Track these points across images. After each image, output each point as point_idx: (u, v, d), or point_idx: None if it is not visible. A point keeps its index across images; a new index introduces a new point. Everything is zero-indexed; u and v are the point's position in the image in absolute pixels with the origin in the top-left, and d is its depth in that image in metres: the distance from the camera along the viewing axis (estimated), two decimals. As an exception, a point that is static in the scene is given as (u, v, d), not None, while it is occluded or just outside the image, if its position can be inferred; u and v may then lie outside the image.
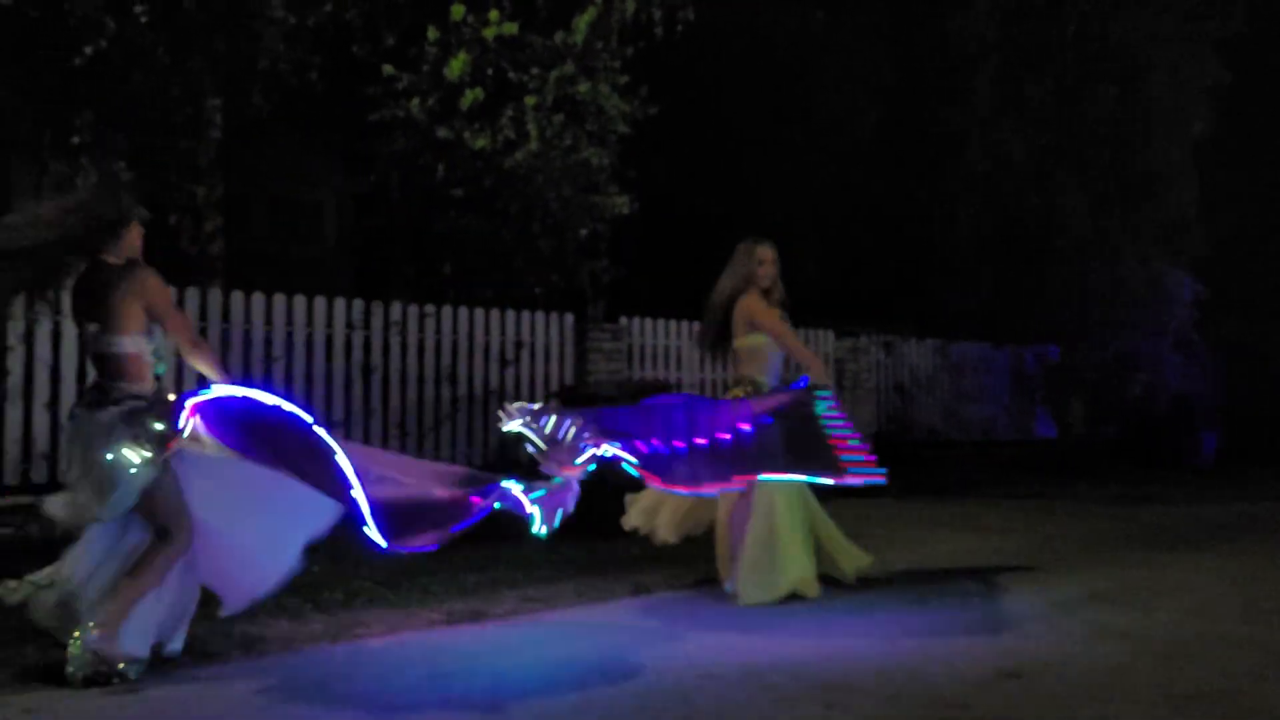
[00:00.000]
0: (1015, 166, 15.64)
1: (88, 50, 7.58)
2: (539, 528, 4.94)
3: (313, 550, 7.37)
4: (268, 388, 8.53)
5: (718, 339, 6.63)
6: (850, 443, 6.09)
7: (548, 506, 5.00)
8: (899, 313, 14.62)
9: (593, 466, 5.60)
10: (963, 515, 10.13)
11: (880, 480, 5.99)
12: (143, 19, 7.64)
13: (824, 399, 6.20)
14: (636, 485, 6.58)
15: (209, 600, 5.77)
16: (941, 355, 14.75)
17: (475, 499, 4.82)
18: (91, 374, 4.58)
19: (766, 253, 6.54)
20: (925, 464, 13.42)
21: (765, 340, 6.45)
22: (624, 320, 10.91)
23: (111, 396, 4.39)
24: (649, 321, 11.06)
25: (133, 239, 4.61)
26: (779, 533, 6.14)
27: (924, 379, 14.41)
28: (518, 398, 10.04)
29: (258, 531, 4.71)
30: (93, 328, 4.47)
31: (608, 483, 8.59)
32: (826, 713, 4.05)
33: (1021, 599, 6.31)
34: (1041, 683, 4.46)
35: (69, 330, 7.72)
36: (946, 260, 16.16)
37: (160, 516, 4.46)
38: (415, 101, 10.15)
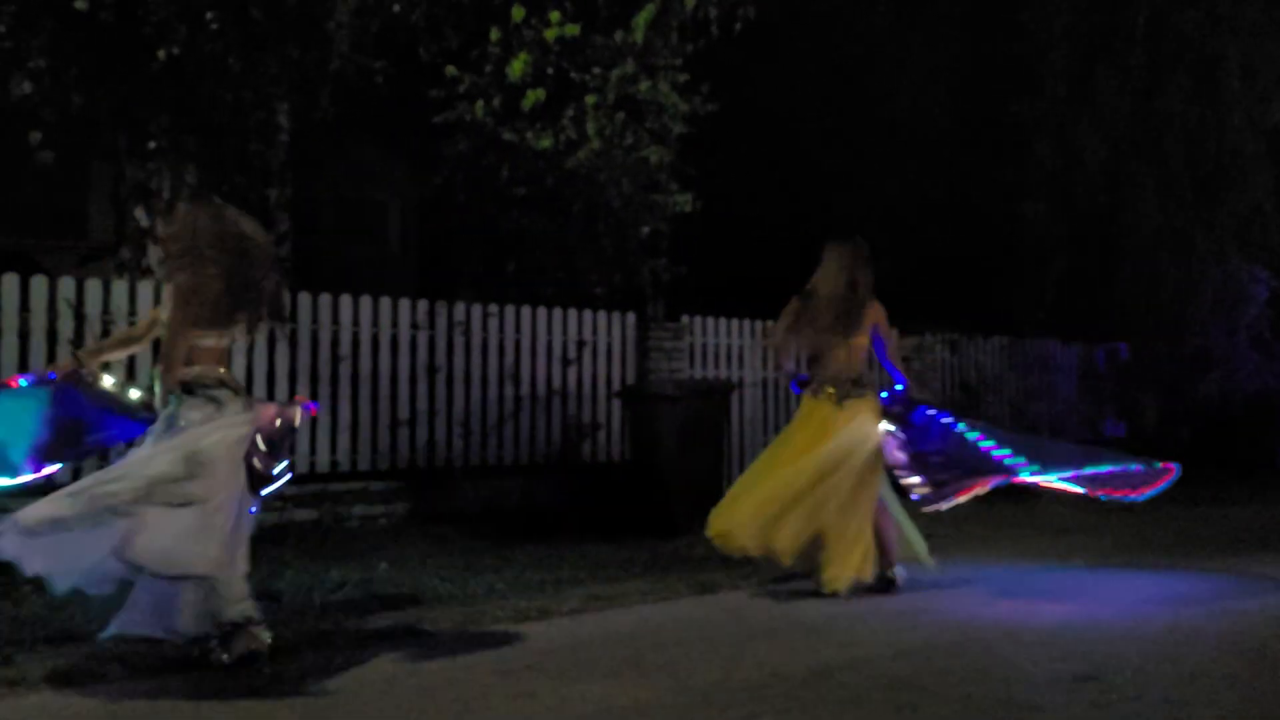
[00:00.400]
0: (1086, 161, 15.35)
1: (161, 55, 7.74)
2: None
3: (379, 546, 7.51)
4: (333, 387, 8.66)
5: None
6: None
7: None
8: (965, 310, 14.41)
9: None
10: (1033, 515, 9.96)
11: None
12: (213, 25, 7.78)
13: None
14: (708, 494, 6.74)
15: (277, 595, 5.88)
16: (1008, 353, 14.52)
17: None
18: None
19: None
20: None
21: (866, 343, 6.67)
22: (685, 319, 10.88)
23: None
24: (710, 320, 11.03)
25: None
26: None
27: (990, 378, 14.20)
28: (579, 396, 10.08)
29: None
30: None
31: (666, 484, 8.65)
32: (896, 714, 4.00)
33: (1097, 600, 6.20)
34: (1119, 687, 4.36)
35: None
36: (1014, 256, 15.91)
37: None
38: (479, 104, 10.22)
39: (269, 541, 7.61)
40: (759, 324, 10.90)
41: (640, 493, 8.91)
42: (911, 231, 15.66)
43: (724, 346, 11.11)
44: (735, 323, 11.15)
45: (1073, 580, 6.89)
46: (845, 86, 15.83)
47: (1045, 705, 4.10)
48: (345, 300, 8.90)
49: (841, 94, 15.79)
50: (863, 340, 6.62)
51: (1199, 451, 15.14)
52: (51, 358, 7.51)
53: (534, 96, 10.13)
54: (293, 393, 8.49)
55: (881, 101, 16.07)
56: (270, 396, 8.40)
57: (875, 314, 6.65)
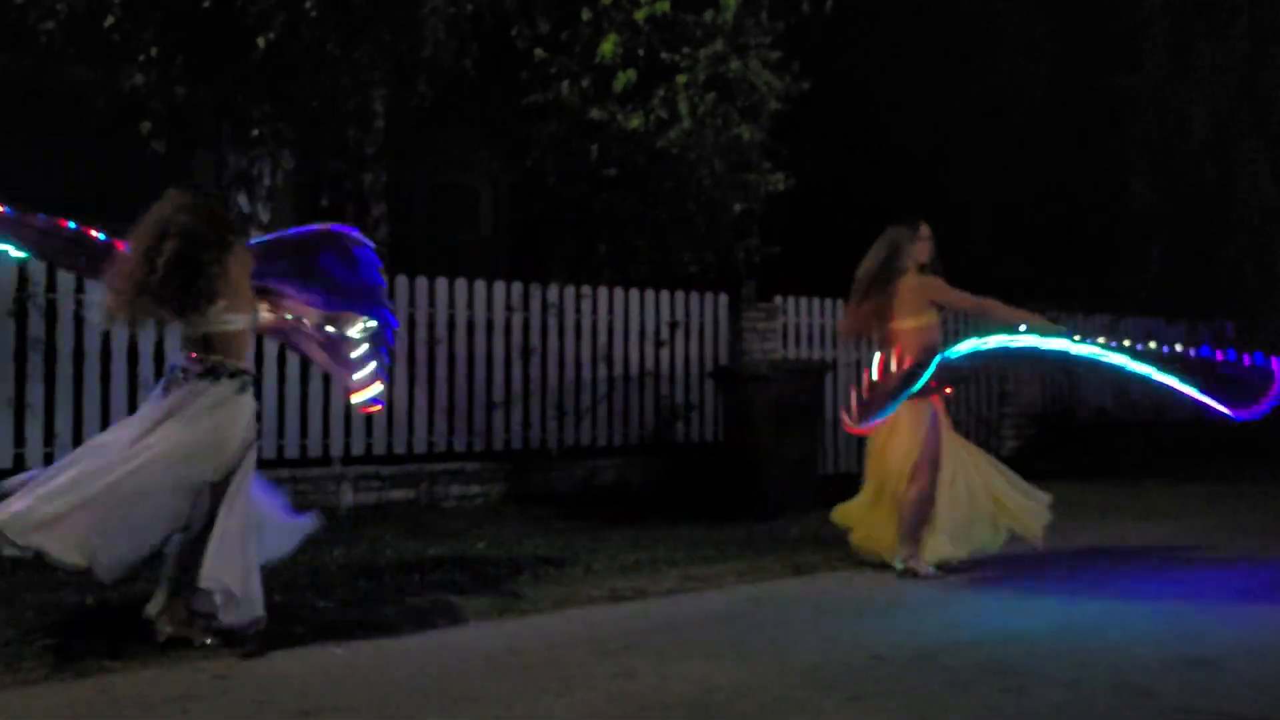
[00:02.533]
0: (1190, 134, 14.82)
1: (261, 43, 7.88)
2: None
3: (476, 526, 7.60)
4: (429, 369, 8.77)
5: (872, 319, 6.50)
6: None
7: None
8: (1066, 288, 14.04)
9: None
10: (1139, 497, 9.72)
11: None
12: (312, 13, 7.91)
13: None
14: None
15: (378, 573, 5.99)
16: (1111, 332, 14.12)
17: None
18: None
19: (927, 230, 6.48)
20: (1096, 446, 12.90)
21: (935, 319, 6.45)
22: (778, 299, 10.79)
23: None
24: (803, 300, 10.92)
25: None
26: None
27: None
28: (672, 378, 10.07)
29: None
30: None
31: (761, 465, 8.59)
32: (1002, 698, 3.93)
33: (1208, 583, 6.02)
34: (1233, 671, 4.23)
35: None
36: (1116, 233, 15.45)
37: None
38: (566, 84, 10.24)
39: (367, 521, 7.79)
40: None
41: (734, 474, 8.88)
42: (1010, 209, 15.30)
43: (817, 327, 11.00)
44: (829, 303, 11.02)
45: (1180, 563, 6.69)
46: (940, 63, 15.50)
47: (1157, 690, 3.99)
48: (441, 283, 9.01)
49: (936, 71, 15.46)
50: (912, 323, 6.35)
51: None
52: (160, 345, 7.74)
53: (625, 78, 10.10)
54: (390, 375, 8.62)
55: (977, 78, 15.71)
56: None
57: (920, 291, 6.37)
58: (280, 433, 8.21)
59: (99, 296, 5.10)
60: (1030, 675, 4.18)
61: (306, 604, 5.39)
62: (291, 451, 8.25)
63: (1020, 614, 5.30)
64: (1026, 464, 11.58)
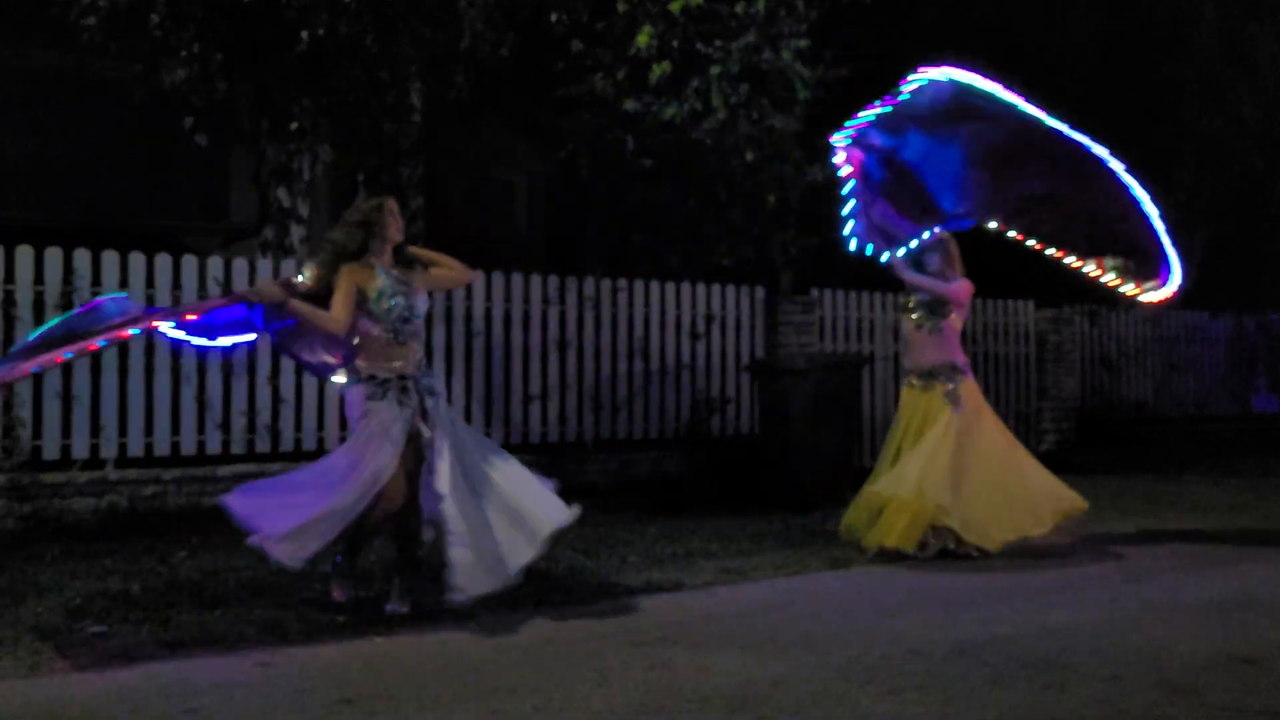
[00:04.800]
0: (1242, 124, 14.59)
1: (304, 37, 7.94)
2: None
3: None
4: (467, 362, 8.80)
5: None
6: None
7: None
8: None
9: None
10: (1182, 493, 9.59)
11: None
12: (352, 6, 7.96)
13: None
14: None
15: (416, 565, 6.02)
16: (1153, 325, 13.96)
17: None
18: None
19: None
20: (1137, 441, 12.76)
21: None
22: (815, 292, 10.75)
23: None
24: (840, 294, 10.86)
25: None
26: None
27: (1133, 350, 13.68)
28: (708, 370, 10.06)
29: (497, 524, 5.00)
30: None
31: (797, 459, 8.57)
32: (1043, 694, 3.90)
33: (1253, 581, 5.94)
34: (1278, 669, 4.18)
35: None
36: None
37: None
38: (601, 76, 10.24)
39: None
40: (890, 297, 10.71)
41: (770, 467, 8.87)
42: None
43: (854, 320, 10.94)
44: (866, 296, 10.96)
45: (1223, 558, 6.61)
46: (984, 50, 15.34)
47: (1200, 687, 3.94)
48: (478, 276, 9.04)
49: (980, 58, 15.30)
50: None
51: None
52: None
53: (660, 69, 10.09)
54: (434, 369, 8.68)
55: (1023, 64, 15.52)
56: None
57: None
58: (320, 423, 8.28)
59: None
60: (1071, 671, 4.15)
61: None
62: (331, 443, 8.31)
63: (1061, 608, 5.25)
64: (1066, 457, 11.52)
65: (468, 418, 8.90)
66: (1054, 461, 11.46)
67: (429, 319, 8.72)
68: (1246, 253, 15.00)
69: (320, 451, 8.24)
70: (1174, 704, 3.77)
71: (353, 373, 5.11)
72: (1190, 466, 11.48)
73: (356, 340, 5.11)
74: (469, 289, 8.97)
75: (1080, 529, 7.15)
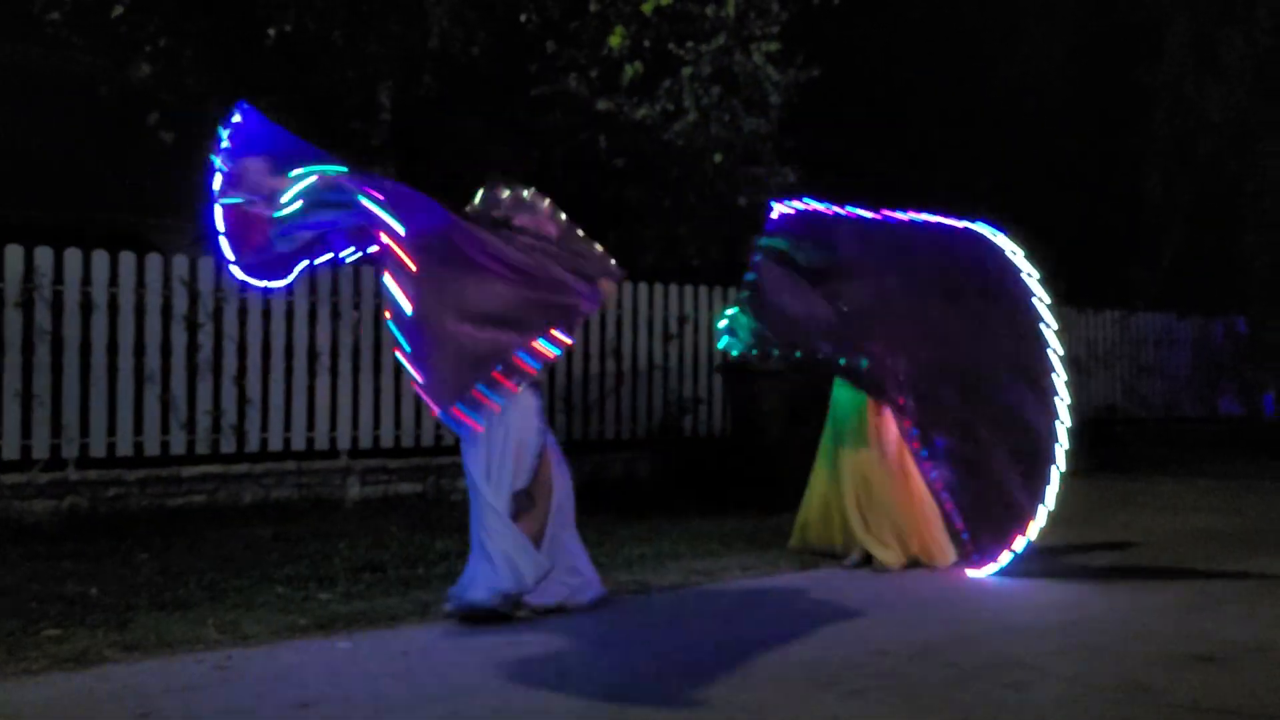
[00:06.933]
0: (1210, 128, 14.71)
1: (272, 33, 7.88)
2: None
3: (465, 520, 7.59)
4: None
5: None
6: None
7: None
8: (1078, 282, 13.96)
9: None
10: (1150, 494, 9.65)
11: None
12: (319, 2, 7.90)
13: None
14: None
15: (382, 566, 5.97)
16: (1121, 327, 14.05)
17: None
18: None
19: None
20: (1106, 441, 12.83)
21: None
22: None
23: None
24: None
25: None
26: None
27: (1102, 352, 13.76)
28: (680, 372, 10.04)
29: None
30: None
31: (767, 460, 8.56)
32: (1006, 693, 3.90)
33: (1217, 580, 5.97)
34: (1238, 668, 4.20)
35: (254, 307, 8.08)
36: (1131, 226, 15.36)
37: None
38: (574, 76, 10.21)
39: (374, 514, 7.79)
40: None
41: (741, 468, 8.85)
42: (1024, 201, 15.21)
43: (825, 321, 10.93)
44: (838, 297, 10.95)
45: (1189, 558, 6.64)
46: (958, 53, 15.41)
47: (1161, 686, 3.95)
48: (447, 276, 8.98)
49: (954, 62, 15.37)
50: None
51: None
52: (166, 334, 7.75)
53: (632, 70, 10.08)
54: (398, 368, 8.62)
55: (996, 68, 15.61)
56: (376, 371, 8.55)
57: None
58: (287, 425, 8.21)
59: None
60: (1033, 670, 4.15)
61: (310, 596, 5.38)
62: (298, 444, 8.25)
63: (1026, 609, 5.26)
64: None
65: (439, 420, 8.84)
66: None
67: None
68: (1215, 256, 15.12)
69: (287, 453, 8.18)
70: (1135, 703, 3.78)
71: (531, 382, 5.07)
72: (1160, 467, 11.56)
73: None
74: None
75: (1046, 530, 7.17)
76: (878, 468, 6.46)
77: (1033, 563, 6.42)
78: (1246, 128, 14.87)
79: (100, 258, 7.61)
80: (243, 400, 8.01)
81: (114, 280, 7.64)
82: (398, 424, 8.65)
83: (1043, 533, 6.25)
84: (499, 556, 4.84)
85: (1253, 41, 14.85)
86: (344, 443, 8.41)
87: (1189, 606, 5.32)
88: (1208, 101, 14.75)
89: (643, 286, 9.91)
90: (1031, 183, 15.34)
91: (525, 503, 5.07)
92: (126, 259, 7.70)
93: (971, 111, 15.34)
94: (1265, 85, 14.83)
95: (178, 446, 7.78)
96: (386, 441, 8.58)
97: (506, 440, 4.96)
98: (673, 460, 9.64)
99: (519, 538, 4.89)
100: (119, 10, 8.02)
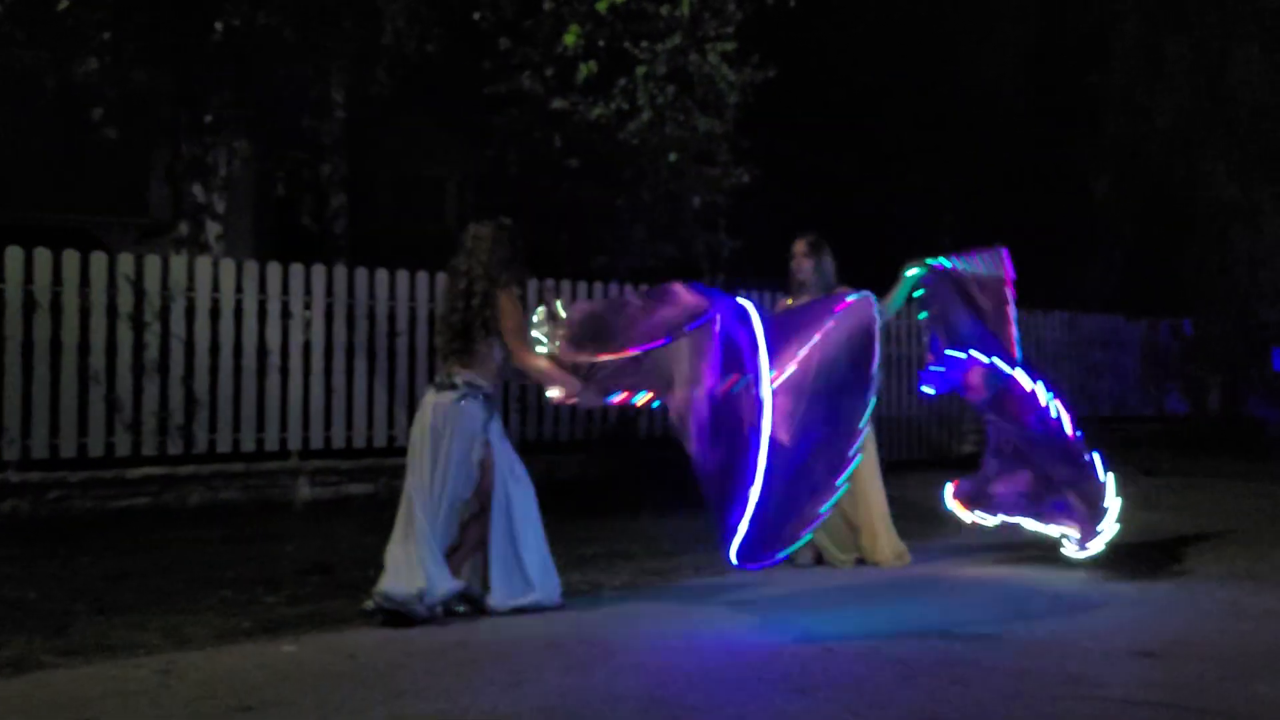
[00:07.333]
0: (1157, 134, 14.95)
1: (219, 27, 7.77)
2: None
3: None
4: (390, 363, 8.68)
5: None
6: None
7: None
8: (1029, 284, 14.14)
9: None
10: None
11: None
12: (270, -3, 7.83)
13: None
14: None
15: (330, 568, 5.91)
16: (1070, 328, 14.25)
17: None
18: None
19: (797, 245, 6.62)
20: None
21: None
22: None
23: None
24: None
25: None
26: None
27: (1051, 353, 13.94)
28: (635, 371, 10.02)
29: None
30: None
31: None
32: (949, 688, 3.93)
33: (1159, 577, 6.06)
34: (1178, 662, 4.26)
35: (201, 306, 7.98)
36: (1081, 229, 15.58)
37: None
38: (528, 74, 10.19)
39: (325, 516, 7.72)
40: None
41: (694, 468, 8.85)
42: (976, 203, 15.38)
43: (779, 321, 10.97)
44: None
45: (1131, 554, 6.73)
46: (913, 57, 15.55)
47: (1101, 680, 4.00)
48: (401, 276, 8.94)
49: (909, 64, 15.50)
50: None
51: (1266, 427, 14.77)
52: (111, 333, 7.63)
53: (587, 69, 10.07)
54: (349, 368, 8.55)
55: (951, 73, 15.78)
56: (326, 372, 8.48)
57: None
58: (236, 425, 8.12)
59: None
60: (977, 666, 4.18)
61: (255, 599, 5.32)
62: (247, 445, 8.16)
63: (973, 606, 5.31)
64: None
65: (390, 419, 8.79)
66: (975, 463, 11.68)
67: (349, 318, 8.62)
68: (1163, 258, 15.38)
69: (236, 454, 8.09)
70: (1075, 697, 3.82)
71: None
72: (1106, 465, 11.69)
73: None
74: (391, 288, 8.87)
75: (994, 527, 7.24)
76: None
77: (980, 561, 6.50)
78: (1193, 134, 15.13)
79: (43, 256, 7.48)
80: (190, 401, 7.92)
81: (58, 279, 7.51)
82: (349, 424, 8.58)
83: (981, 531, 6.32)
84: (417, 561, 4.84)
85: (1199, 49, 15.11)
86: (294, 443, 8.33)
87: (1131, 601, 5.39)
88: (1156, 107, 15.00)
89: (597, 285, 9.89)
90: (984, 185, 15.51)
91: (474, 506, 5.05)
92: (70, 257, 7.57)
93: (927, 115, 15.49)
94: (1210, 92, 15.10)
95: (123, 448, 7.67)
96: (338, 442, 8.51)
97: (451, 450, 4.94)
98: (626, 461, 9.63)
99: (436, 554, 4.90)
100: (64, 3, 7.87)
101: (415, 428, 5.11)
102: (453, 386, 5.06)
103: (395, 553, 4.90)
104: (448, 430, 4.99)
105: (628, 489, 9.06)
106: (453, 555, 5.04)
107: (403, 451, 8.62)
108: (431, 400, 5.09)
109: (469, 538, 5.09)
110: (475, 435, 5.03)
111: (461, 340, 5.11)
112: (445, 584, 4.90)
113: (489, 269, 5.14)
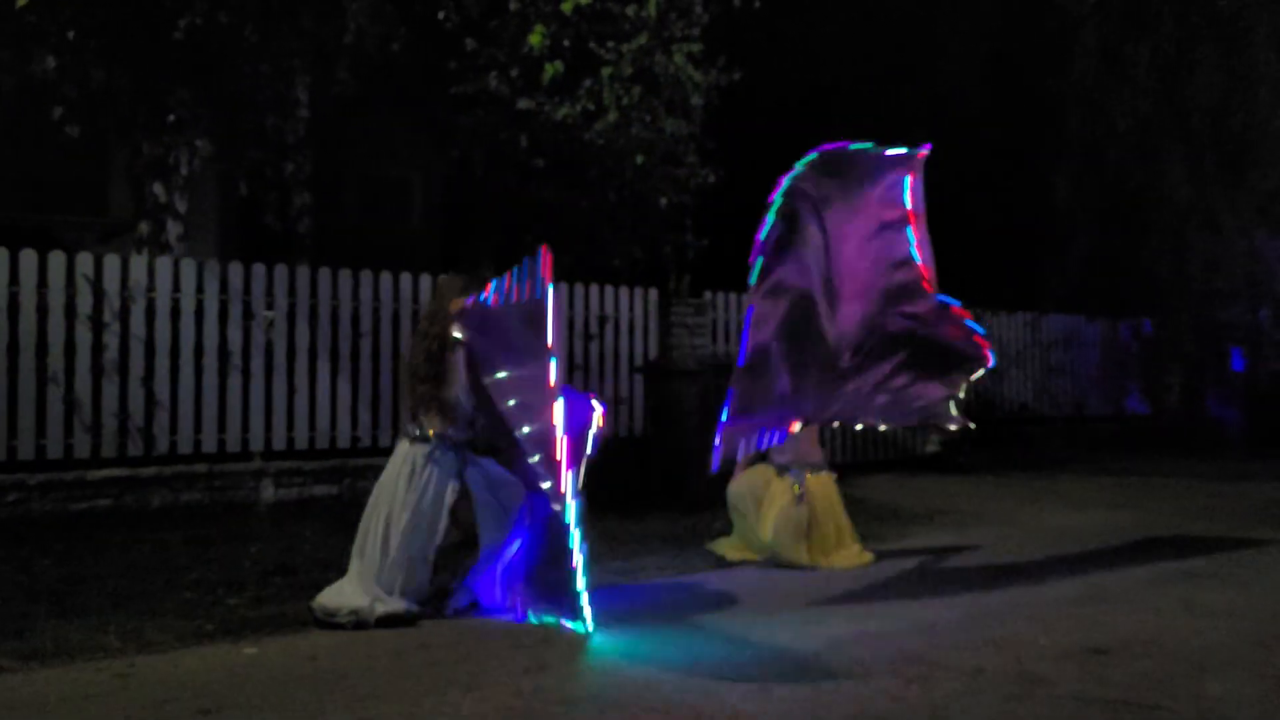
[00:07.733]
0: (1116, 136, 15.13)
1: (181, 25, 7.70)
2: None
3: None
4: (354, 363, 8.65)
5: None
6: None
7: None
8: (990, 284, 14.27)
9: None
10: (1056, 491, 9.90)
11: None
12: (230, -4, 7.77)
13: None
14: None
15: (294, 570, 5.90)
16: (1032, 329, 14.40)
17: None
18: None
19: None
20: (1016, 440, 13.15)
21: None
22: (708, 295, 10.83)
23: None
24: (734, 296, 10.96)
25: None
26: None
27: (1013, 353, 14.08)
28: (600, 371, 10.06)
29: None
30: None
31: (686, 460, 8.62)
32: (906, 687, 3.98)
33: (1113, 574, 6.15)
34: (1131, 659, 4.33)
35: (162, 306, 7.93)
36: (1042, 231, 15.74)
37: None
38: (494, 74, 10.18)
39: (289, 518, 7.68)
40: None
41: (660, 468, 8.90)
42: (937, 203, 15.48)
43: (745, 322, 11.03)
44: (757, 298, 11.05)
45: (1087, 553, 6.83)
46: (879, 60, 15.65)
47: (1056, 678, 4.07)
48: (365, 277, 8.91)
49: (873, 65, 15.60)
50: None
51: (1223, 427, 15.00)
52: (70, 334, 7.57)
53: (553, 70, 10.07)
54: (313, 368, 8.52)
55: (914, 75, 15.89)
56: (290, 372, 8.44)
57: None
58: (197, 426, 8.07)
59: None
60: (934, 665, 4.24)
61: (217, 601, 5.30)
62: (209, 446, 8.11)
63: (931, 605, 5.37)
64: (949, 458, 11.80)
65: (354, 420, 8.76)
66: (937, 462, 11.81)
67: (313, 318, 8.58)
68: (1122, 260, 15.56)
69: (198, 455, 8.04)
70: (1029, 694, 3.88)
71: None
72: (1065, 465, 11.87)
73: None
74: (355, 288, 8.84)
75: (955, 526, 7.34)
76: (774, 474, 6.63)
77: (935, 559, 6.58)
78: (1151, 135, 15.33)
79: (-1, 255, 7.41)
80: (151, 402, 7.86)
81: (14, 279, 7.44)
82: (312, 425, 8.54)
83: (936, 532, 6.40)
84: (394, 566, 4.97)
85: (1158, 53, 15.30)
86: (257, 444, 8.28)
87: (1082, 599, 5.47)
88: (1114, 110, 15.17)
89: (563, 286, 9.90)
90: (947, 186, 15.62)
91: (454, 536, 5.31)
92: (28, 257, 7.50)
93: (891, 116, 15.59)
94: (1169, 95, 15.30)
95: (82, 450, 7.60)
96: (301, 443, 8.48)
97: (421, 501, 5.12)
98: (593, 461, 9.63)
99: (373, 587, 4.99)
100: (22, 1, 7.78)
101: (387, 472, 5.21)
102: (425, 440, 5.12)
103: (350, 567, 5.04)
104: (422, 479, 5.12)
105: (593, 489, 9.02)
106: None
107: (366, 452, 8.69)
108: (405, 451, 5.17)
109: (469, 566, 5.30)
110: (450, 483, 5.20)
111: (432, 388, 5.17)
112: (385, 605, 4.96)
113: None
